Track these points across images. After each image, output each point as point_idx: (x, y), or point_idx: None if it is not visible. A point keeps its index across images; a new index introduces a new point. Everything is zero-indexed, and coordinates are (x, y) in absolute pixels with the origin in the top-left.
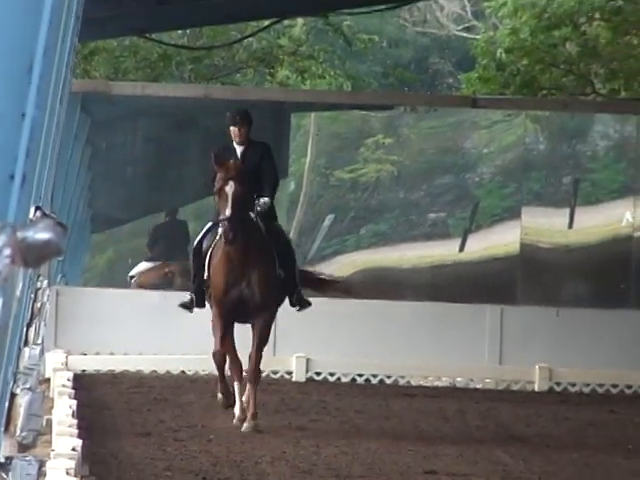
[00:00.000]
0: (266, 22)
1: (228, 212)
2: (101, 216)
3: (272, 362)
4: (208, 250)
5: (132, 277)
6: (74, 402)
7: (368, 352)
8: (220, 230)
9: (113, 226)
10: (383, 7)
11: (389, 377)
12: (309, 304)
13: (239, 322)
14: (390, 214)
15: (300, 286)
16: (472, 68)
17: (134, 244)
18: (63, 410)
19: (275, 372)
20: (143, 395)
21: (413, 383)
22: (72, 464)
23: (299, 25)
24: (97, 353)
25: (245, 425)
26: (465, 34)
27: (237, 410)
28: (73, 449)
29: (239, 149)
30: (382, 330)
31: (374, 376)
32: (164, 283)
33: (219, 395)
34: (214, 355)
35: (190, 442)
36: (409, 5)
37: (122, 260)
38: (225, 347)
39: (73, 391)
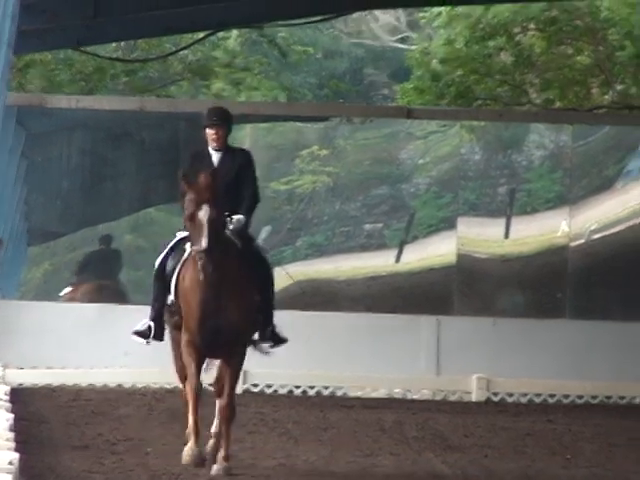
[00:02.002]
0: (201, 34)
1: (204, 243)
2: (37, 229)
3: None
4: (174, 270)
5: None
6: (11, 416)
7: (305, 364)
8: (198, 263)
9: (49, 239)
10: (318, 18)
11: (326, 388)
12: (284, 341)
13: (209, 357)
14: (326, 225)
15: (273, 318)
16: (407, 79)
17: (70, 257)
18: (0, 424)
19: (211, 385)
20: (80, 408)
21: (350, 394)
22: (9, 478)
23: (234, 37)
24: (34, 367)
25: (215, 467)
26: (400, 45)
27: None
28: (10, 463)
29: (216, 156)
30: (319, 342)
31: (311, 387)
32: (94, 298)
33: (189, 445)
34: (190, 390)
35: (127, 455)
36: (343, 16)
37: (59, 273)
38: (200, 386)
39: (10, 405)
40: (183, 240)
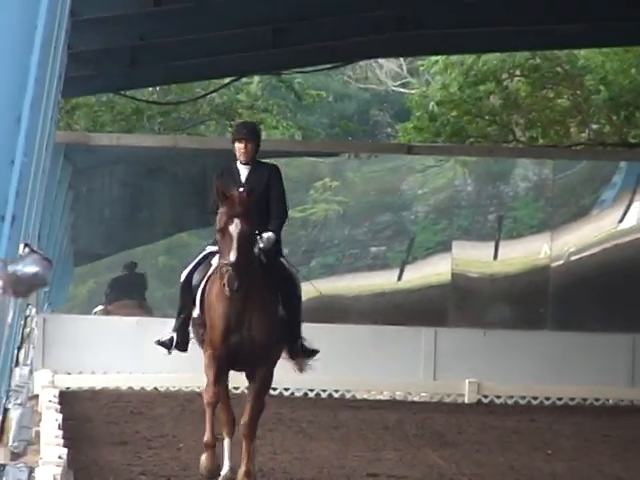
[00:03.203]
0: (226, 80)
1: (233, 257)
2: (83, 251)
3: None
4: (200, 284)
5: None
6: (60, 416)
7: (319, 370)
8: (224, 276)
9: (93, 260)
10: (329, 66)
11: (337, 391)
12: (315, 352)
13: (235, 370)
14: (336, 248)
15: (301, 333)
16: (408, 119)
17: (111, 276)
18: (50, 423)
19: (236, 388)
20: (120, 409)
21: (358, 397)
22: (58, 471)
23: (255, 82)
24: (80, 372)
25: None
26: (401, 89)
27: (225, 469)
28: (59, 457)
29: (244, 170)
30: (330, 350)
31: (324, 391)
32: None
33: (203, 458)
34: (207, 405)
35: (162, 450)
36: (352, 64)
37: (101, 290)
38: (217, 397)
39: (59, 406)
40: (211, 254)
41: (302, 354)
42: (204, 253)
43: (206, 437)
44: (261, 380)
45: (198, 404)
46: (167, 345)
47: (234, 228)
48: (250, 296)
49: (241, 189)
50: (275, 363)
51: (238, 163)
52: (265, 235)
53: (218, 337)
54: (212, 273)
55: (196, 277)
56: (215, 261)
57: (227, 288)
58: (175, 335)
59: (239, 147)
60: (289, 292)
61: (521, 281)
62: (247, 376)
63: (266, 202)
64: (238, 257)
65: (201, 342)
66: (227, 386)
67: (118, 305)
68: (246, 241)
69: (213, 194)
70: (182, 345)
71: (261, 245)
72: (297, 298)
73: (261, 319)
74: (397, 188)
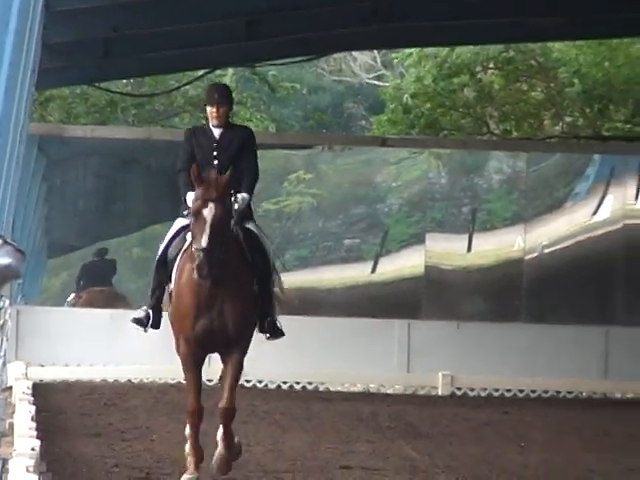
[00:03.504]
0: (200, 72)
1: (204, 242)
2: (56, 243)
3: (206, 372)
4: (175, 259)
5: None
6: (33, 407)
7: (292, 362)
8: (195, 261)
9: (67, 252)
10: (303, 58)
11: (310, 384)
12: (282, 334)
13: (209, 353)
14: (310, 241)
15: (274, 309)
16: (382, 112)
17: (85, 261)
18: (23, 415)
19: (210, 380)
20: (94, 401)
21: (331, 389)
22: (32, 462)
23: (229, 75)
24: (53, 364)
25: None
26: (376, 82)
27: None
28: (32, 449)
29: (217, 131)
30: (304, 342)
31: (297, 383)
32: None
33: (188, 463)
34: (190, 414)
35: (135, 442)
36: (325, 57)
37: (75, 282)
38: (198, 410)
39: (32, 398)
40: (185, 228)
41: (268, 332)
42: (177, 228)
43: (190, 452)
44: (234, 367)
45: (172, 396)
46: (143, 322)
47: (208, 212)
48: (223, 280)
49: (213, 170)
50: (248, 346)
51: (211, 125)
52: (240, 196)
53: (187, 322)
54: (186, 249)
55: (171, 252)
56: (189, 235)
57: (196, 273)
58: (150, 312)
59: (211, 111)
60: (263, 267)
61: (494, 274)
62: (221, 358)
63: (239, 162)
64: (210, 243)
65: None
66: (200, 378)
67: (91, 292)
68: (220, 225)
69: (183, 151)
70: (156, 322)
71: (236, 206)
72: (269, 274)
73: (234, 303)
74: (371, 181)
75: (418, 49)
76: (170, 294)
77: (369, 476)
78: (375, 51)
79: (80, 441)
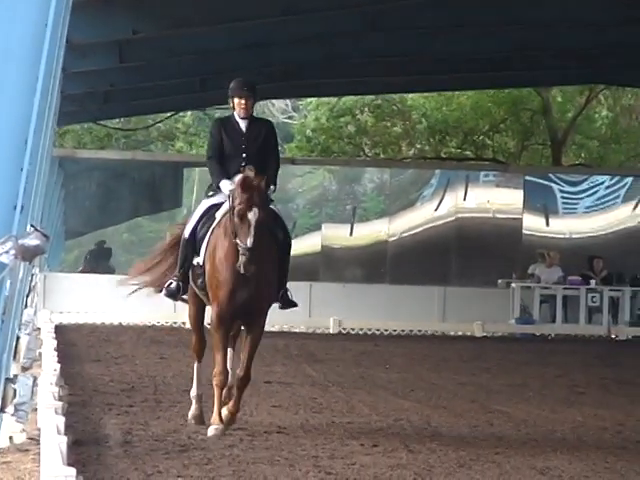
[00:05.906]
0: (168, 113)
1: (250, 243)
2: (71, 230)
3: (172, 316)
4: (205, 236)
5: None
6: (55, 342)
7: None
8: (241, 257)
9: (78, 236)
10: None
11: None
12: (295, 305)
13: (236, 320)
14: None
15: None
16: (292, 141)
17: (89, 248)
18: (48, 347)
19: (175, 322)
20: (96, 337)
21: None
22: (54, 379)
23: (188, 115)
24: (69, 312)
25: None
26: (288, 120)
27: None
28: (54, 370)
29: (243, 123)
30: None
31: None
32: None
33: (214, 415)
34: (216, 375)
35: (124, 365)
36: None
37: (83, 259)
38: (225, 382)
39: (54, 335)
40: (213, 207)
41: (281, 302)
42: (205, 207)
43: (216, 409)
44: (254, 337)
45: (149, 334)
46: (174, 293)
47: (252, 216)
48: (260, 268)
49: (250, 172)
50: (266, 318)
51: (236, 116)
52: (272, 187)
53: (224, 294)
54: (215, 227)
55: (201, 231)
56: (219, 214)
57: (243, 268)
58: (181, 284)
59: (239, 102)
60: (284, 240)
61: (368, 251)
62: (244, 325)
63: (264, 152)
64: (254, 243)
65: (200, 289)
66: (228, 337)
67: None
68: (262, 227)
69: (212, 139)
70: (185, 292)
71: (270, 193)
72: (288, 252)
73: (264, 280)
74: (284, 188)
75: (316, 98)
76: (194, 267)
77: (283, 388)
78: (287, 100)
79: (87, 364)
